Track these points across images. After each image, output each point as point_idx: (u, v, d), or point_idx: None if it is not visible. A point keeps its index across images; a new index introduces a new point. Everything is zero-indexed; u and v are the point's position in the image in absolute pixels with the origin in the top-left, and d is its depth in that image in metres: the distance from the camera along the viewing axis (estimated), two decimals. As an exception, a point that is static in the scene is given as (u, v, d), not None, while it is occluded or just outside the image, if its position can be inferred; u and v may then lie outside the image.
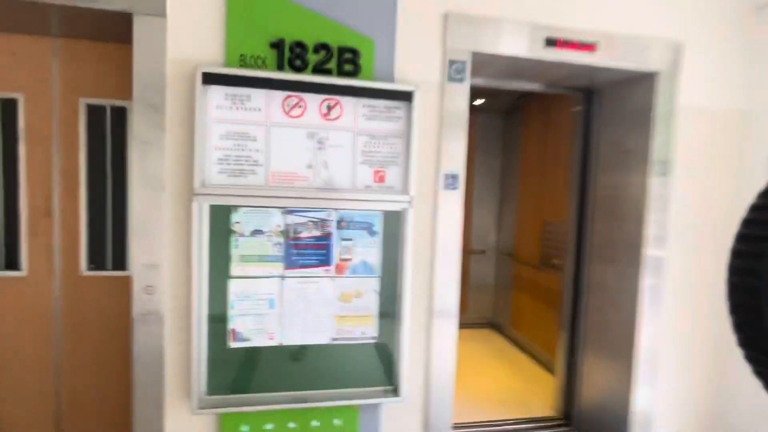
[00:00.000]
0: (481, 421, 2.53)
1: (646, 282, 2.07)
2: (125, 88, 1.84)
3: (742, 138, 2.12)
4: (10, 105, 1.77)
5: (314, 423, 1.76)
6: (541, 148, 3.66)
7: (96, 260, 1.89)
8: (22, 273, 1.83)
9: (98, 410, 1.93)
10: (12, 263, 1.83)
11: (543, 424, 2.53)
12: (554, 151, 3.39)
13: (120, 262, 1.91)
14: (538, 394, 2.92)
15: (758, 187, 1.75)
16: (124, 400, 1.93)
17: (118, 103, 1.86)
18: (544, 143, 3.60)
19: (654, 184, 2.01)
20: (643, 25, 1.95)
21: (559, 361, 2.62)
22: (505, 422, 2.54)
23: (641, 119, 2.07)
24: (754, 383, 1.87)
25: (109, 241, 1.89)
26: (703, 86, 2.04)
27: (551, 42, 1.84)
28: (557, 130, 3.35)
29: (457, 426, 2.42)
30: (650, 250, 2.05)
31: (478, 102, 3.99)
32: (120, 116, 1.87)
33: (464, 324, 4.39)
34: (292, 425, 1.74)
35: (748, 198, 2.06)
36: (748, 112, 2.10)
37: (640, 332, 2.08)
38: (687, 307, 2.15)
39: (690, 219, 2.10)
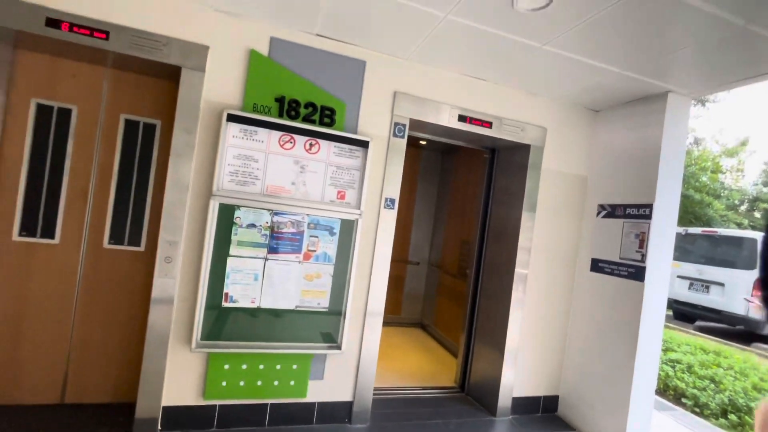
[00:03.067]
0: (400, 387, 3.32)
1: (515, 293, 3.00)
2: (157, 110, 2.49)
3: (582, 192, 3.19)
4: (66, 113, 2.34)
5: (278, 366, 2.45)
6: (465, 182, 4.66)
7: (116, 236, 2.46)
8: (54, 241, 2.36)
9: (102, 353, 2.45)
10: (47, 233, 2.34)
11: (445, 391, 3.38)
12: (473, 186, 4.40)
13: (135, 240, 2.49)
14: (445, 372, 3.79)
15: (591, 225, 2.78)
16: (124, 344, 2.48)
17: (150, 120, 2.48)
18: (467, 179, 4.61)
19: (524, 218, 2.99)
20: (522, 114, 2.96)
21: (460, 349, 3.51)
22: (417, 388, 3.35)
23: (520, 172, 3.06)
24: (581, 360, 2.83)
25: (128, 223, 2.47)
26: (559, 157, 3.09)
27: (462, 118, 2.79)
28: (476, 170, 4.36)
29: (381, 390, 3.18)
30: (518, 268, 3.00)
31: (423, 142, 4.94)
32: (150, 131, 2.49)
33: (398, 323, 5.23)
34: (261, 367, 2.42)
35: (586, 233, 3.12)
36: (586, 176, 3.19)
37: (509, 328, 3.00)
38: (541, 311, 3.12)
39: (546, 244, 3.10)
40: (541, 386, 3.14)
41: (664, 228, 2.62)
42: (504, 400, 3.01)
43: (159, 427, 2.25)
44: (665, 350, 4.98)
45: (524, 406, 3.09)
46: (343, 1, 2.03)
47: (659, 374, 3.43)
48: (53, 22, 2.01)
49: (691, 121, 2.72)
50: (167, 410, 2.27)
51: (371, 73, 2.57)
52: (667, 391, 4.15)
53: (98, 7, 2.08)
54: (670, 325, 7.29)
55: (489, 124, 2.85)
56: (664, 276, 2.64)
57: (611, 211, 2.91)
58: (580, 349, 3.05)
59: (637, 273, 2.63)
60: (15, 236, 2.29)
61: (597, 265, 2.98)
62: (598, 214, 3.03)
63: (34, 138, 2.30)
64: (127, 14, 2.13)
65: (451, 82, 2.76)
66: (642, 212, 2.65)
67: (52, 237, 2.35)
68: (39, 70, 2.29)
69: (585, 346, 3.01)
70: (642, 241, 2.62)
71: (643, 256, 2.61)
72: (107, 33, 2.08)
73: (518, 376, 3.05)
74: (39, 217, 2.32)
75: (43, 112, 2.31)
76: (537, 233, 3.05)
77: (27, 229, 2.31)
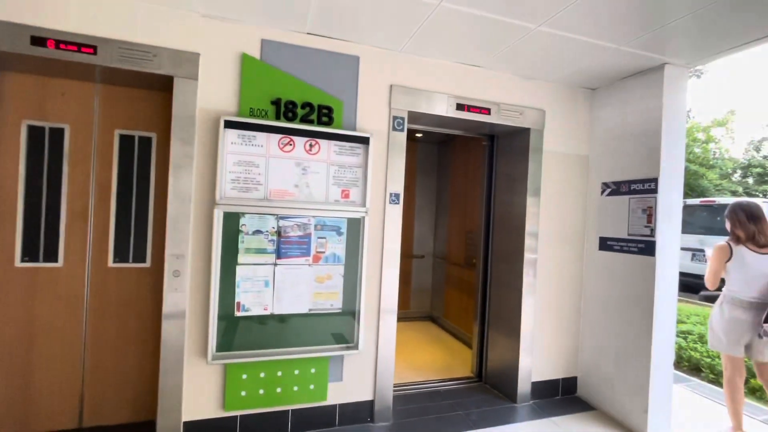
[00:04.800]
0: (418, 381, 3.30)
1: (526, 278, 2.99)
2: (152, 123, 2.44)
3: (585, 172, 3.18)
4: (59, 133, 2.29)
5: (296, 371, 2.42)
6: (465, 171, 4.64)
7: (120, 254, 2.41)
8: (58, 264, 2.31)
9: (116, 373, 2.42)
10: (50, 256, 2.30)
11: (462, 382, 3.37)
12: (473, 175, 4.38)
13: (140, 256, 2.44)
14: (461, 363, 3.78)
15: (596, 204, 2.78)
16: (139, 362, 2.44)
17: (145, 134, 2.44)
18: (467, 168, 4.59)
19: (529, 203, 2.98)
20: (520, 98, 2.94)
21: (474, 338, 3.51)
22: (435, 381, 3.34)
23: (521, 157, 3.05)
24: (597, 340, 2.83)
25: (131, 240, 2.43)
26: (559, 139, 3.07)
27: (461, 107, 2.76)
28: (475, 158, 4.35)
29: (400, 386, 3.17)
30: (527, 253, 2.99)
31: (419, 134, 4.91)
32: (146, 144, 2.44)
33: (408, 318, 5.22)
34: (279, 373, 2.39)
35: (591, 212, 3.11)
36: (587, 156, 3.18)
37: (522, 314, 2.99)
38: (553, 294, 3.11)
39: (553, 227, 3.09)
40: (559, 369, 3.14)
41: (671, 200, 2.62)
42: (523, 385, 3.00)
43: (182, 443, 2.22)
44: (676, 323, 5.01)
45: (544, 390, 3.09)
46: (333, -4, 2.00)
47: (673, 347, 3.44)
48: (38, 40, 1.96)
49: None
50: (188, 425, 2.25)
51: (366, 68, 2.54)
52: (681, 363, 4.17)
53: (84, 22, 2.03)
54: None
55: (487, 111, 2.83)
56: (675, 249, 2.64)
57: (616, 189, 2.90)
58: (595, 329, 3.05)
59: (647, 248, 2.63)
60: (17, 262, 2.24)
61: (606, 244, 2.97)
62: (603, 192, 3.02)
63: (28, 161, 2.24)
64: (113, 26, 2.08)
65: (446, 71, 2.73)
66: (648, 187, 2.64)
67: (55, 260, 2.30)
68: (27, 91, 2.23)
69: (600, 325, 3.01)
70: (650, 215, 2.62)
71: (653, 231, 2.60)
72: (95, 47, 2.03)
73: (535, 360, 3.05)
74: (40, 241, 2.27)
75: (35, 133, 2.25)
76: (543, 216, 3.04)
77: (29, 254, 2.26)
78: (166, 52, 2.15)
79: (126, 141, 2.41)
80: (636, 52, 2.45)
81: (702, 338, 4.46)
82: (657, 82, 2.63)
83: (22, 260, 2.25)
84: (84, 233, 2.35)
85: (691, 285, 7.95)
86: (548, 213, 3.06)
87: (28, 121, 2.24)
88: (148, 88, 2.41)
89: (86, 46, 2.02)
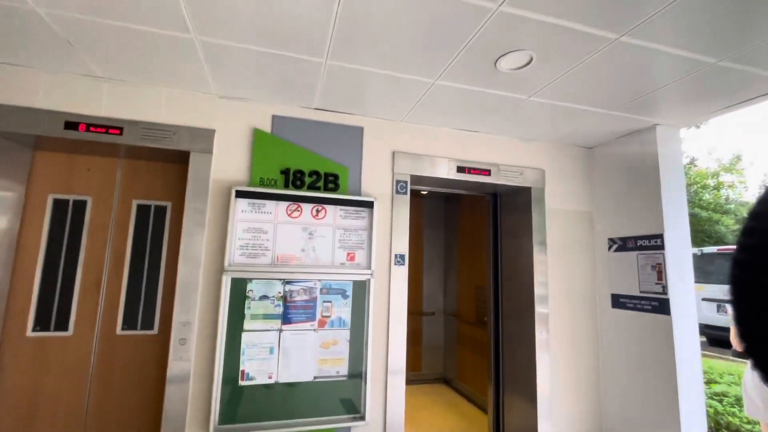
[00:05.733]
0: (430, 454, 3.09)
1: (539, 335, 2.90)
2: (167, 193, 2.59)
3: (590, 228, 3.19)
4: (81, 204, 2.43)
5: (300, 445, 2.30)
6: (471, 227, 4.68)
7: (129, 322, 2.44)
8: (68, 333, 2.34)
9: (116, 450, 2.33)
10: (61, 325, 2.33)
11: (479, 454, 3.14)
12: (479, 229, 4.41)
13: (148, 323, 2.46)
14: (476, 430, 3.54)
15: (605, 260, 2.74)
16: (142, 428, 2.36)
17: (161, 203, 2.57)
18: (473, 223, 4.64)
19: (536, 256, 2.96)
20: (519, 158, 3.05)
21: (489, 403, 3.32)
22: (449, 454, 3.11)
23: (525, 212, 3.08)
24: (621, 403, 2.67)
25: (141, 307, 2.46)
26: (560, 196, 3.13)
27: (461, 169, 2.87)
28: (480, 214, 4.41)
29: (410, 459, 2.96)
30: (538, 308, 2.93)
31: (424, 192, 5.05)
32: (161, 212, 2.56)
33: (419, 380, 4.99)
34: (282, 448, 2.27)
35: (600, 268, 3.07)
36: (591, 212, 3.20)
37: (537, 375, 2.86)
38: (568, 352, 2.99)
39: (562, 282, 3.04)
40: (581, 428, 2.91)
41: (681, 255, 2.58)
42: (545, 459, 2.77)
43: None
44: (707, 382, 4.67)
45: (568, 463, 2.84)
46: (337, 80, 2.19)
47: (707, 411, 3.19)
48: (71, 125, 2.16)
49: (684, 143, 2.78)
50: None
51: (369, 137, 2.70)
52: (720, 430, 3.82)
53: (113, 107, 2.25)
54: (707, 352, 6.89)
55: (487, 172, 2.93)
56: (690, 305, 2.56)
57: (622, 245, 2.88)
58: (617, 391, 2.87)
59: (661, 306, 2.55)
60: (29, 332, 2.28)
61: (618, 301, 2.89)
62: (610, 248, 3.00)
63: (51, 231, 2.37)
64: (138, 110, 2.29)
65: (446, 136, 2.88)
66: (654, 243, 2.62)
67: (65, 329, 2.33)
68: (56, 168, 2.42)
69: (621, 387, 2.83)
70: (659, 272, 2.57)
71: (664, 288, 2.54)
72: (121, 129, 2.23)
73: (555, 425, 2.85)
74: (53, 310, 2.32)
75: (59, 205, 2.40)
76: (552, 271, 3.00)
77: (41, 323, 2.30)
78: (185, 129, 2.34)
79: (142, 210, 2.54)
80: (626, 116, 2.56)
81: (739, 401, 4.12)
82: (650, 140, 2.72)
83: (34, 329, 2.28)
84: (96, 302, 2.40)
85: (720, 339, 7.48)
86: (557, 268, 3.03)
87: (55, 195, 2.40)
88: (166, 161, 2.58)
89: (113, 127, 2.22)
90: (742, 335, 0.49)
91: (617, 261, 2.93)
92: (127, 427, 2.36)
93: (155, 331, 2.46)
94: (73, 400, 2.30)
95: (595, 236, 3.16)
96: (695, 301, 2.60)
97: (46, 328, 2.30)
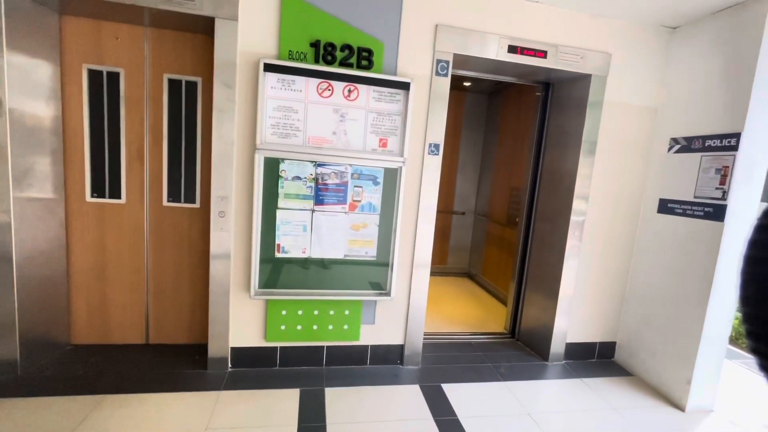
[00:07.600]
0: (449, 332, 3.38)
1: (571, 240, 2.83)
2: (197, 67, 2.49)
3: (650, 126, 2.84)
4: (115, 76, 2.41)
5: (331, 312, 2.56)
6: (514, 126, 4.35)
7: (173, 195, 2.60)
8: (121, 201, 2.54)
9: (174, 300, 2.70)
10: (114, 193, 2.52)
11: (494, 336, 3.39)
12: (523, 129, 4.10)
13: (190, 197, 2.61)
14: (494, 319, 3.79)
15: (660, 163, 2.50)
16: (193, 293, 2.70)
17: (192, 78, 2.50)
18: (516, 122, 4.29)
19: (582, 160, 2.75)
20: (582, 39, 2.61)
21: (510, 296, 3.46)
22: (467, 333, 3.39)
23: (578, 108, 2.77)
24: (644, 307, 2.69)
25: (182, 181, 2.59)
26: (624, 87, 2.73)
27: (513, 49, 2.51)
28: (526, 112, 4.04)
29: (431, 335, 3.26)
30: (575, 212, 2.81)
31: (467, 83, 4.62)
32: (192, 88, 2.51)
33: (444, 273, 5.26)
34: (316, 312, 2.54)
35: (653, 171, 2.82)
36: (656, 108, 2.82)
37: (563, 277, 2.87)
38: (599, 258, 2.94)
39: (608, 186, 2.85)
40: (597, 332, 3.04)
41: (754, 159, 2.28)
42: (557, 345, 2.96)
43: (230, 365, 2.48)
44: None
45: (578, 351, 3.03)
46: None
47: (732, 321, 3.18)
48: (90, -18, 2.01)
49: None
50: (235, 350, 2.49)
51: (409, 5, 2.36)
52: (740, 339, 3.87)
53: (129, -39, 2.04)
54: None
55: (543, 54, 2.56)
56: (749, 212, 2.34)
57: (686, 145, 2.58)
58: (643, 296, 2.88)
59: (715, 212, 2.36)
60: (88, 197, 2.49)
61: (666, 206, 2.71)
62: (670, 149, 2.70)
63: (90, 104, 2.41)
64: (156, -35, 2.07)
65: (499, 6, 2.47)
66: (726, 143, 2.31)
67: (119, 197, 2.53)
68: (84, 35, 2.35)
69: (649, 291, 2.83)
70: (724, 176, 2.31)
71: (725, 193, 2.31)
72: (140, -13, 2.06)
73: (572, 322, 2.97)
74: (105, 179, 2.49)
75: (94, 77, 2.39)
76: (596, 175, 2.80)
77: (97, 191, 2.49)
78: (207, -9, 2.12)
79: (174, 85, 2.49)
80: (734, -22, 2.04)
81: None
82: (756, 17, 2.20)
83: (92, 196, 2.49)
84: (141, 174, 2.53)
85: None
86: (603, 171, 2.81)
87: (88, 65, 2.37)
88: (193, 31, 2.43)
89: (133, -14, 2.05)
90: (747, 317, 0.49)
91: (675, 163, 2.65)
92: (183, 287, 2.69)
93: (197, 204, 2.62)
94: (135, 260, 2.60)
95: (655, 136, 2.83)
96: (756, 211, 2.38)
97: (102, 195, 2.50)
